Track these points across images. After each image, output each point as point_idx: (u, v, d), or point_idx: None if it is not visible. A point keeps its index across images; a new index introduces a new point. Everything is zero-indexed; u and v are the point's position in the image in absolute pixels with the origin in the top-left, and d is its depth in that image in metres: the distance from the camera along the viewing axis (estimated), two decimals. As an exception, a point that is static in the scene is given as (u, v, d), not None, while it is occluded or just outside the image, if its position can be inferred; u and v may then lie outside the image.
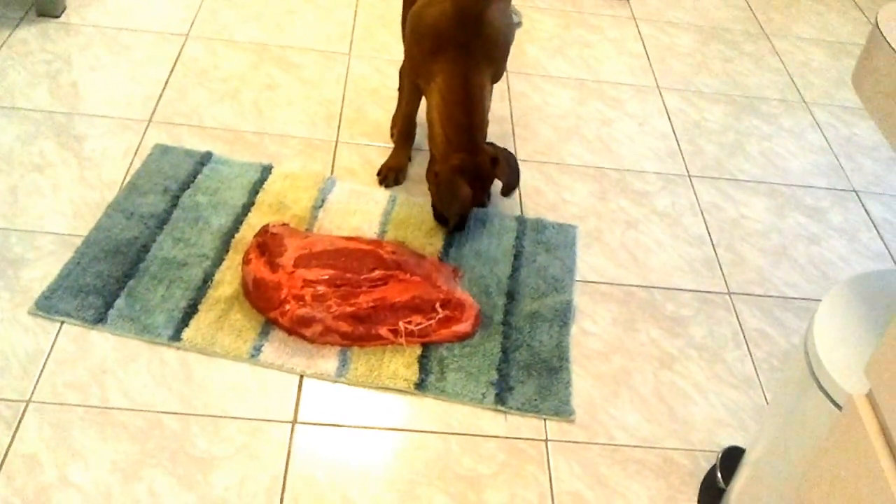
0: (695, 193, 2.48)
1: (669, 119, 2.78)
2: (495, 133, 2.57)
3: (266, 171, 2.29)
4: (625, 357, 1.98)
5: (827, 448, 1.06)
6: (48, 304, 1.87)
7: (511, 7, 3.08)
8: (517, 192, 2.37)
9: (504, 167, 2.13)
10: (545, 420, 1.81)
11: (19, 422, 1.66)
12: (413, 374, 1.84)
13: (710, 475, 1.71)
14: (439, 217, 2.20)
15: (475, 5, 2.09)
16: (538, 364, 1.90)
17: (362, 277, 1.94)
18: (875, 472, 0.94)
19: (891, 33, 1.19)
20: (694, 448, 1.80)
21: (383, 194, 2.28)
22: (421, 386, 1.82)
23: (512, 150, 2.52)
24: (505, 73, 2.84)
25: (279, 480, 1.63)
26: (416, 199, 2.28)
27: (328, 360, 1.84)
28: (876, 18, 1.22)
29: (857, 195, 2.58)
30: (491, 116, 2.62)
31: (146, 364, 1.80)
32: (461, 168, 2.08)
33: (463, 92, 2.08)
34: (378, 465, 1.69)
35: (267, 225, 2.04)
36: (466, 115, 2.08)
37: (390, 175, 2.33)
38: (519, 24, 3.13)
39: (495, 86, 2.77)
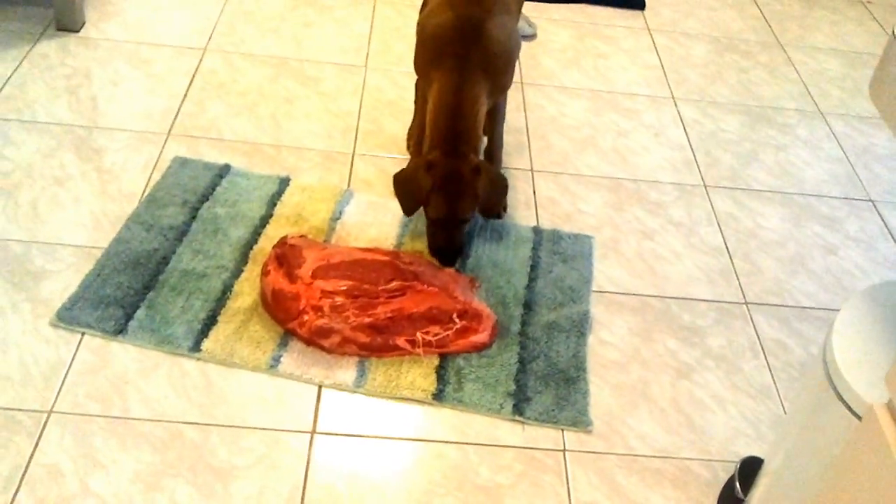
0: (711, 203, 2.49)
1: (685, 129, 2.78)
2: (511, 144, 2.58)
3: (284, 183, 2.31)
4: (642, 367, 1.98)
5: (846, 458, 1.06)
6: (69, 316, 1.88)
7: (521, 20, 3.10)
8: (533, 204, 2.38)
9: (485, 180, 2.08)
10: (563, 430, 1.81)
11: (41, 432, 1.68)
12: (431, 384, 1.85)
13: (729, 485, 1.70)
14: (435, 250, 2.13)
15: (475, 17, 2.11)
16: (555, 374, 1.91)
17: (380, 288, 1.95)
18: (895, 481, 0.94)
19: (907, 44, 1.19)
20: (712, 458, 1.80)
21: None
22: (438, 396, 1.83)
23: (527, 162, 2.53)
24: (520, 85, 2.86)
25: (298, 490, 1.64)
26: (432, 211, 2.29)
27: (346, 371, 1.85)
28: (893, 29, 1.23)
29: (874, 205, 2.57)
30: (506, 127, 2.63)
31: (166, 375, 1.81)
32: (431, 164, 2.06)
33: (453, 100, 2.08)
34: (396, 475, 1.70)
35: (285, 236, 2.06)
36: (453, 122, 2.07)
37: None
38: (534, 35, 3.15)
39: (509, 98, 2.78)
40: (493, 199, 2.14)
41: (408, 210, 2.13)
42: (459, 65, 2.09)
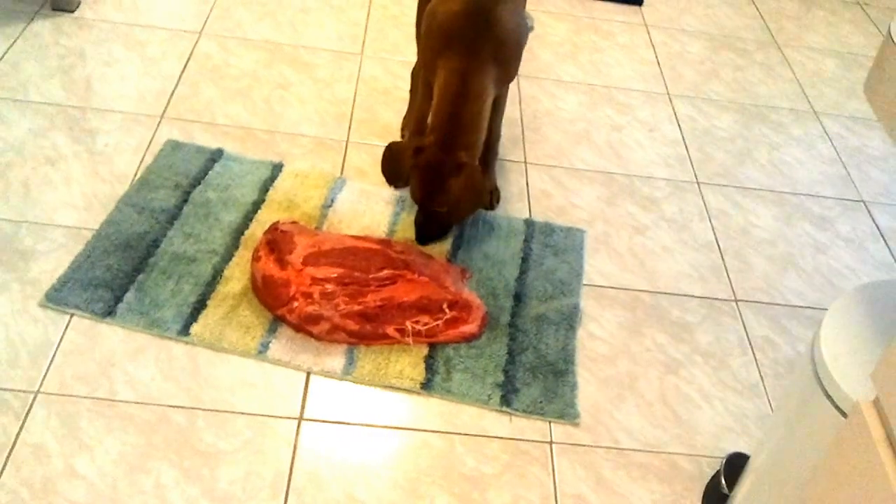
0: (703, 200, 2.49)
1: (679, 126, 2.78)
2: (506, 136, 2.58)
3: (276, 168, 2.30)
4: (630, 361, 1.98)
5: (832, 455, 1.07)
6: (58, 297, 1.88)
7: (524, 10, 3.09)
8: (526, 196, 2.38)
9: (462, 182, 2.04)
10: (550, 422, 1.82)
11: (27, 412, 1.67)
12: (419, 373, 1.85)
13: (714, 481, 1.71)
14: (416, 226, 2.15)
15: (484, 5, 2.09)
16: (544, 367, 1.91)
17: (370, 276, 1.95)
18: (880, 479, 0.94)
19: (904, 43, 1.20)
20: (698, 453, 1.81)
21: (392, 195, 2.29)
22: (427, 386, 1.83)
23: (521, 154, 2.53)
24: (515, 77, 2.85)
25: (284, 476, 1.64)
26: (425, 200, 2.29)
27: (335, 358, 1.85)
28: (889, 29, 1.23)
29: (865, 205, 2.58)
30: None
31: (154, 358, 1.81)
32: (419, 149, 2.05)
33: (458, 88, 2.05)
34: (383, 463, 1.70)
35: (277, 222, 2.05)
36: (455, 110, 2.05)
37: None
38: (531, 28, 3.14)
39: (506, 89, 2.78)
40: (465, 204, 2.10)
41: (388, 181, 2.17)
42: (468, 53, 2.07)
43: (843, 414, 1.26)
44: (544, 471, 1.73)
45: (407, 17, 3.05)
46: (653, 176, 2.55)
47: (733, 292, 2.21)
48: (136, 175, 2.23)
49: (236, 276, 1.98)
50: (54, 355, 1.78)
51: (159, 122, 2.42)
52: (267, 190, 2.23)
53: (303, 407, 1.77)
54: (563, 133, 2.66)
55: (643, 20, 3.33)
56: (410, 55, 2.86)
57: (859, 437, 1.00)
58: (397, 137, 2.50)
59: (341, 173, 2.35)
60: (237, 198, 2.19)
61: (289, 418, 1.74)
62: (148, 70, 2.60)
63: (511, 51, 2.15)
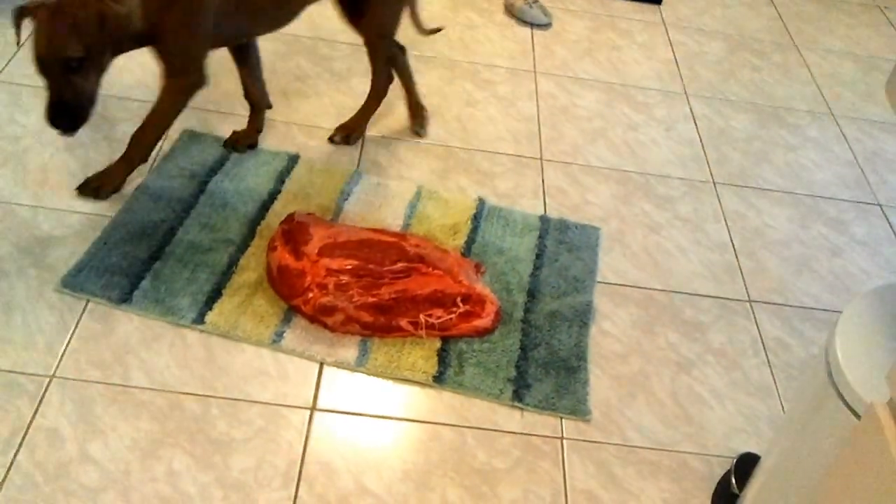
0: (718, 200, 2.48)
1: (696, 125, 2.78)
2: (522, 132, 2.58)
3: (293, 160, 2.31)
4: (643, 360, 1.98)
5: (845, 456, 1.07)
6: (74, 283, 1.89)
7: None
8: (542, 193, 2.38)
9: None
10: (561, 418, 1.82)
11: (42, 396, 1.69)
12: (432, 366, 1.85)
13: (725, 481, 1.71)
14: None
15: None
16: (556, 363, 1.91)
17: (385, 269, 1.95)
18: (894, 480, 0.94)
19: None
20: (709, 453, 1.81)
21: (409, 189, 2.29)
22: (439, 379, 1.84)
23: (537, 150, 2.53)
24: (532, 74, 2.85)
25: (296, 465, 1.65)
26: (441, 195, 2.29)
27: (348, 349, 1.86)
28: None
29: (882, 209, 2.57)
30: (518, 115, 2.63)
31: (169, 345, 1.82)
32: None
33: None
34: (394, 454, 1.70)
35: (293, 213, 2.06)
36: None
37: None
38: (549, 24, 3.14)
39: (520, 85, 2.78)
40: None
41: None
42: None
43: (857, 415, 1.26)
44: (555, 466, 1.73)
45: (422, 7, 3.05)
46: (668, 175, 2.54)
47: (747, 293, 2.20)
48: (153, 164, 2.24)
49: (252, 265, 1.99)
50: (70, 340, 1.79)
51: (177, 111, 2.42)
52: (283, 181, 2.24)
53: (315, 397, 1.78)
54: (580, 130, 2.66)
55: (661, 19, 3.33)
56: (426, 49, 2.87)
57: (873, 439, 1.00)
58: (409, 126, 2.50)
59: (357, 166, 2.35)
60: (253, 188, 2.20)
61: (301, 408, 1.75)
62: (167, 59, 2.61)
63: None
